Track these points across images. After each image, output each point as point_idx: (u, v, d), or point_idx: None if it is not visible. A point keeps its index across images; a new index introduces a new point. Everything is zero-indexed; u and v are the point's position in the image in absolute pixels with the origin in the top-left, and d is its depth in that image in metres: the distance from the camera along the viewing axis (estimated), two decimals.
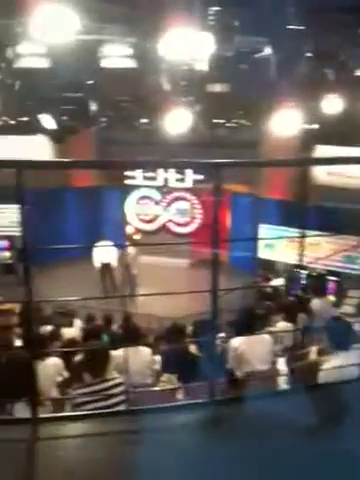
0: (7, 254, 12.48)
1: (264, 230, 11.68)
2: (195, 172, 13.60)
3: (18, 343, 6.60)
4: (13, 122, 9.93)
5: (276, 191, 12.46)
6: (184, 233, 14.46)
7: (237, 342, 4.10)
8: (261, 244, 11.84)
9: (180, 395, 4.17)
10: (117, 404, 3.11)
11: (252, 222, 12.25)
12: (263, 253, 12.03)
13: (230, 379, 4.01)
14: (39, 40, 6.68)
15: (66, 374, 5.30)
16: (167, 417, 2.49)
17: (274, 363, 4.51)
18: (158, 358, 5.51)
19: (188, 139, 10.29)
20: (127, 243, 12.43)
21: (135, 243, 12.24)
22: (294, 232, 10.20)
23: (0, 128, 10.11)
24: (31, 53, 7.27)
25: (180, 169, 12.22)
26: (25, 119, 9.86)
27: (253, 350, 4.04)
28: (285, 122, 8.21)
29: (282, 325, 5.96)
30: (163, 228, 14.66)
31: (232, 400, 2.75)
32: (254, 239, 11.80)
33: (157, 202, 14.61)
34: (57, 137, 11.04)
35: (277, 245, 11.65)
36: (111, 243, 11.31)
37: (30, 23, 6.04)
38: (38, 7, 5.80)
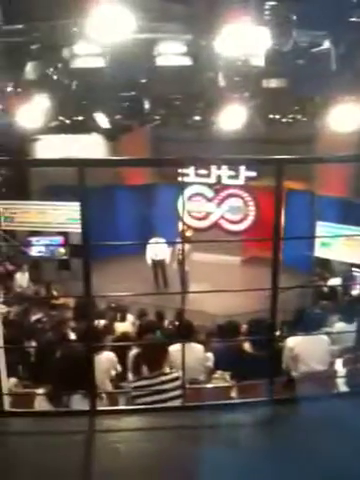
0: (62, 250, 12.79)
1: (321, 228, 11.38)
2: (247, 169, 13.45)
3: (72, 337, 6.77)
4: (68, 121, 10.15)
5: (333, 188, 12.14)
6: (236, 231, 14.34)
7: (293, 342, 4.02)
8: (317, 242, 11.55)
9: (234, 393, 4.15)
10: (172, 399, 3.12)
11: (308, 220, 11.99)
12: (319, 252, 11.74)
13: (287, 379, 3.94)
14: (95, 40, 6.80)
15: (119, 368, 5.38)
16: (224, 415, 2.48)
17: (332, 364, 4.40)
18: (210, 355, 5.50)
19: (243, 135, 10.19)
20: (180, 240, 12.48)
21: (189, 240, 12.27)
22: (352, 230, 9.91)
23: (56, 128, 10.34)
24: (87, 53, 7.40)
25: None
26: (80, 118, 10.06)
27: (310, 350, 3.96)
28: (344, 117, 7.97)
29: (340, 326, 5.81)
30: (215, 225, 14.60)
31: (289, 400, 2.70)
32: (311, 237, 11.55)
33: (209, 199, 14.57)
34: (111, 136, 11.20)
35: (334, 244, 11.33)
36: (164, 240, 11.39)
37: (86, 23, 6.16)
38: (94, 7, 5.90)
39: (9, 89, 7.48)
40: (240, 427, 2.46)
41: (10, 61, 6.75)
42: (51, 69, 7.47)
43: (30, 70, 7.15)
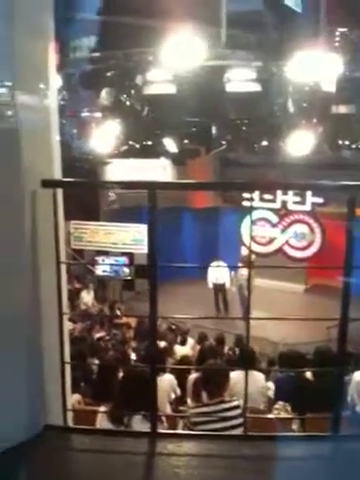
0: (127, 270, 13.02)
1: None
2: (314, 195, 13.19)
3: (133, 357, 6.83)
4: (138, 146, 10.43)
5: None
6: (301, 257, 14.03)
7: None
8: None
9: (295, 426, 4.01)
10: (233, 427, 3.06)
11: None
12: None
13: (351, 413, 3.78)
14: (168, 67, 7.01)
15: (179, 391, 5.36)
16: (286, 447, 2.40)
17: None
18: (271, 385, 5.37)
19: (311, 161, 10.07)
20: (242, 264, 12.40)
21: (253, 265, 12.18)
22: None
23: (126, 152, 10.62)
24: (159, 80, 7.63)
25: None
26: (149, 143, 10.32)
27: None
28: None
29: None
30: (279, 251, 14.36)
31: (355, 437, 2.58)
32: None
33: (274, 225, 14.38)
34: (179, 160, 11.40)
35: None
36: (225, 264, 11.40)
37: (159, 51, 6.38)
38: (168, 35, 6.11)
39: (84, 114, 7.82)
40: (303, 461, 2.37)
41: (87, 87, 7.08)
42: (124, 95, 7.76)
43: (105, 96, 7.46)
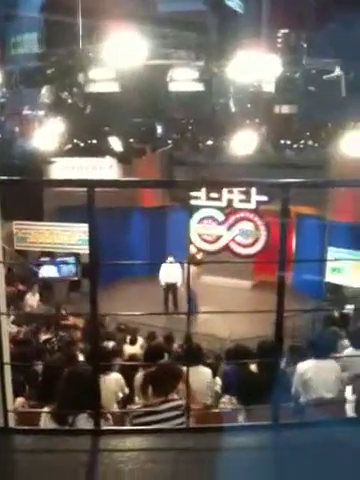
0: (73, 270, 12.84)
1: (332, 253, 11.34)
2: (259, 193, 13.47)
3: (81, 358, 6.75)
4: (83, 144, 10.31)
5: (344, 213, 12.12)
6: (247, 254, 14.30)
7: (304, 367, 3.96)
8: (328, 268, 11.50)
9: (241, 417, 4.09)
10: (177, 426, 3.08)
11: (319, 245, 11.94)
12: (331, 277, 11.67)
13: (294, 404, 3.89)
14: (110, 65, 6.98)
15: (126, 390, 5.35)
16: (229, 438, 2.45)
17: (341, 391, 4.33)
18: (218, 380, 5.44)
19: (254, 160, 10.28)
20: (189, 262, 12.48)
21: (201, 261, 12.30)
22: None
23: (70, 151, 10.48)
24: (102, 78, 7.58)
25: (247, 188, 12.16)
26: (94, 142, 10.22)
27: (320, 377, 3.89)
28: (356, 143, 8.02)
29: (350, 351, 5.72)
30: (226, 248, 14.57)
31: (295, 425, 2.67)
32: (319, 260, 11.51)
33: (220, 222, 14.57)
34: (125, 159, 11.34)
35: (346, 269, 11.27)
36: (177, 262, 11.44)
37: (102, 49, 6.34)
38: (110, 34, 6.08)
39: (25, 112, 7.66)
40: (245, 450, 2.43)
41: (27, 85, 6.93)
42: (66, 93, 7.65)
43: (46, 94, 7.34)
